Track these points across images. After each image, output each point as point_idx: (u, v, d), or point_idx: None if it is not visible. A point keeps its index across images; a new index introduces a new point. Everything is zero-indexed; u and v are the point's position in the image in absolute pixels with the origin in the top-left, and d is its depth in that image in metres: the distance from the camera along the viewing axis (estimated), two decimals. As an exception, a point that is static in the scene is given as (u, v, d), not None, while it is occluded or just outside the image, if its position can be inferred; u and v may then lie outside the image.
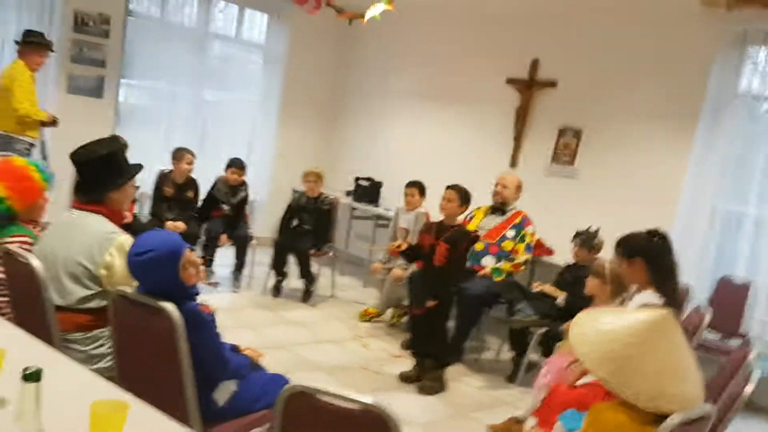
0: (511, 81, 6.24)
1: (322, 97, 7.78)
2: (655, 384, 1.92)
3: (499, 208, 5.16)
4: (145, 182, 5.57)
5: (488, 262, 4.99)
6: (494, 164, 6.03)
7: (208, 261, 5.53)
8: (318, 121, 7.82)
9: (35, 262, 2.29)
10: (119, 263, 2.41)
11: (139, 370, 2.24)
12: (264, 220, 7.02)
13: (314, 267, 5.58)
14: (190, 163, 5.32)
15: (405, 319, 5.20)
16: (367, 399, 1.65)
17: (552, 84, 5.97)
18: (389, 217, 5.95)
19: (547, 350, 4.35)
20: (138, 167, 2.71)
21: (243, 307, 5.23)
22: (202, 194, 5.67)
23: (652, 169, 5.32)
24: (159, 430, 1.62)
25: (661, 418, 1.89)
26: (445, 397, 4.14)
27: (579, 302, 3.82)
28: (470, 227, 5.21)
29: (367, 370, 4.36)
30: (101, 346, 2.46)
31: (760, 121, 4.97)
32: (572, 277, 4.46)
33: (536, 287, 4.59)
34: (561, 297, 4.35)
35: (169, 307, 2.06)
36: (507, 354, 4.83)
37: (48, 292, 2.32)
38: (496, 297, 4.73)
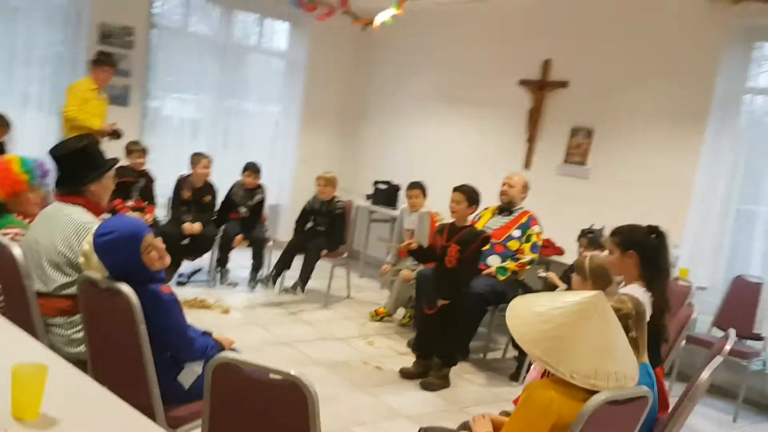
0: (523, 82, 6.25)
1: (342, 103, 7.94)
2: (589, 362, 1.93)
3: (505, 208, 5.18)
4: (167, 187, 5.82)
5: (493, 262, 5.01)
6: (508, 166, 6.03)
7: (223, 261, 5.70)
8: (338, 127, 7.97)
9: (16, 251, 2.46)
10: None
11: (106, 353, 2.37)
12: (286, 224, 7.18)
13: (324, 269, 5.67)
14: (206, 167, 5.52)
15: (416, 318, 5.25)
16: (288, 370, 1.73)
17: (563, 84, 5.96)
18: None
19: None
20: (114, 161, 2.86)
21: (257, 306, 5.38)
22: (220, 198, 5.85)
23: (663, 168, 5.24)
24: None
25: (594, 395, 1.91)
26: (446, 393, 4.18)
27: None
28: (477, 227, 5.24)
29: (368, 365, 4.43)
30: (81, 330, 2.61)
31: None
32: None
33: (541, 273, 4.60)
34: (561, 288, 4.35)
35: (125, 288, 2.18)
36: (513, 353, 4.82)
37: (29, 279, 2.48)
38: (500, 296, 4.73)
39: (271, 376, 1.74)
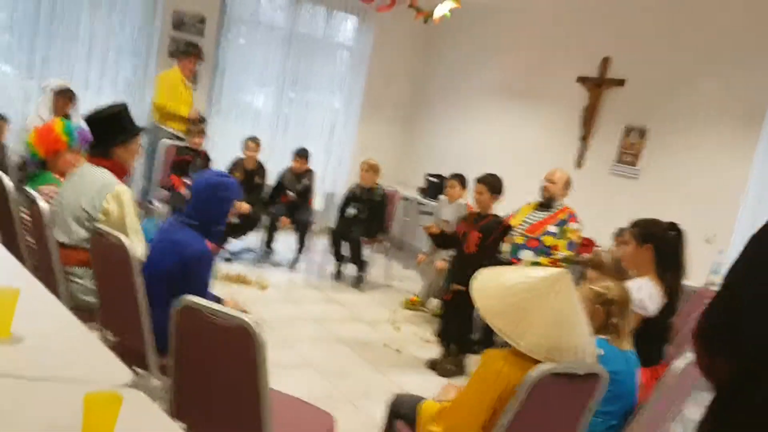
0: (581, 79, 6.15)
1: (402, 96, 8.05)
2: (549, 335, 1.97)
3: (546, 203, 5.13)
4: (223, 168, 6.14)
5: (525, 257, 4.98)
6: (559, 163, 5.92)
7: (269, 242, 5.94)
8: (397, 119, 8.09)
9: (42, 204, 2.73)
10: (114, 209, 2.80)
11: (111, 301, 2.59)
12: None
13: (367, 254, 5.81)
14: (253, 150, 5.77)
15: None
16: (241, 316, 1.86)
17: (621, 83, 5.82)
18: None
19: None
20: (141, 128, 3.09)
21: (296, 287, 5.59)
22: (271, 180, 6.11)
23: (714, 172, 5.04)
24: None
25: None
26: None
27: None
28: (514, 221, 5.23)
29: (388, 347, 4.53)
30: (98, 281, 2.85)
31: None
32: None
33: None
34: None
35: (126, 240, 2.39)
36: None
37: (51, 230, 2.74)
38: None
39: (224, 319, 1.87)
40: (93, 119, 2.94)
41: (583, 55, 6.13)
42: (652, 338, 3.02)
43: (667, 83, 5.43)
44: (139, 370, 2.43)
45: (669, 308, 3.13)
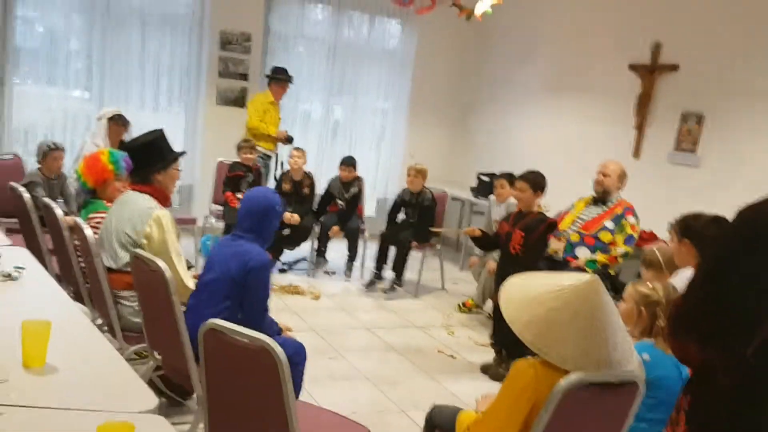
0: (633, 67, 5.94)
1: (449, 96, 7.98)
2: (579, 347, 1.90)
3: (600, 198, 4.98)
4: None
5: (582, 254, 4.85)
6: (615, 154, 5.73)
7: (321, 251, 6.01)
8: (446, 120, 8.04)
9: (88, 232, 2.85)
10: (156, 233, 2.90)
11: (154, 322, 2.68)
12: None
13: (416, 260, 5.79)
14: (294, 158, 5.84)
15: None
16: (263, 338, 1.88)
17: (674, 68, 5.59)
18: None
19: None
20: (180, 153, 3.19)
21: (349, 294, 5.62)
22: (320, 190, 6.18)
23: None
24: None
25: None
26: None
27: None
28: (568, 218, 5.09)
29: (441, 353, 4.50)
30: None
31: None
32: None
33: None
34: None
35: (161, 264, 2.46)
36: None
37: (99, 256, 2.86)
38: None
39: (246, 341, 1.89)
40: (131, 147, 3.06)
41: (633, 42, 5.92)
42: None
43: (723, 65, 5.17)
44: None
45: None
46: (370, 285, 5.81)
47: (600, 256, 4.77)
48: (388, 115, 7.75)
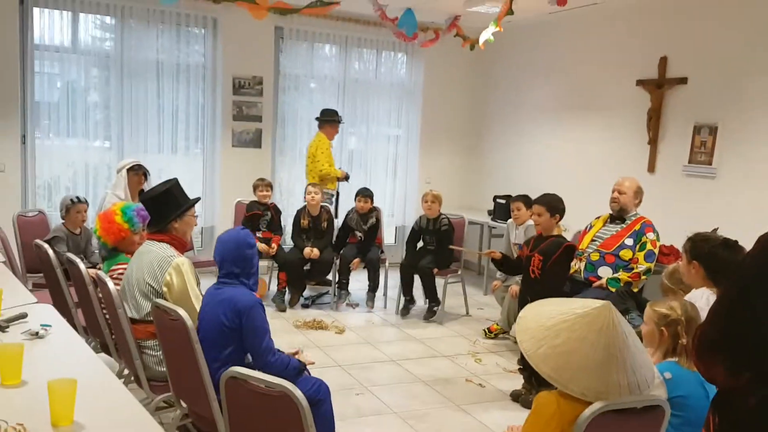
0: (641, 82, 5.95)
1: (460, 123, 8.06)
2: (600, 377, 1.90)
3: (617, 216, 4.97)
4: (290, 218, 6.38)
5: (604, 273, 4.82)
6: (630, 171, 5.73)
7: (343, 284, 6.04)
8: (458, 146, 8.10)
9: (110, 285, 2.91)
10: (176, 281, 2.95)
11: (178, 369, 2.72)
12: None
13: (438, 287, 5.79)
14: (311, 194, 5.90)
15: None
16: (282, 383, 1.91)
17: (683, 81, 5.59)
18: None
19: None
20: (194, 200, 3.25)
21: (373, 326, 5.63)
22: (338, 222, 6.24)
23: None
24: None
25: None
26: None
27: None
28: (587, 238, 5.08)
29: (471, 382, 4.47)
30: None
31: None
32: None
33: None
34: None
35: (183, 313, 2.51)
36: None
37: (122, 307, 2.92)
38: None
39: (266, 387, 1.92)
40: (147, 199, 3.13)
41: (639, 58, 5.95)
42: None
43: (733, 75, 5.17)
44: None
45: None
46: (405, 311, 5.86)
47: (622, 275, 4.74)
48: (400, 142, 7.83)
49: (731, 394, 1.43)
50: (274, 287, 6.04)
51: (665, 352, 2.46)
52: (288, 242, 6.42)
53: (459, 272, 6.01)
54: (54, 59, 6.31)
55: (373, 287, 6.06)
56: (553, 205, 4.31)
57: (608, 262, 4.84)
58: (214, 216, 7.00)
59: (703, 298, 2.83)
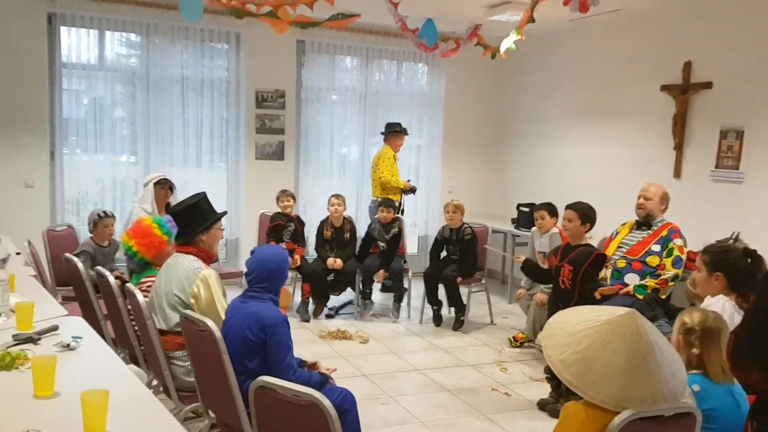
0: (665, 87, 5.90)
1: (482, 132, 8.06)
2: (621, 385, 1.88)
3: (644, 222, 4.91)
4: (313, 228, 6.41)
5: (631, 280, 4.76)
6: (656, 176, 5.67)
7: (366, 294, 6.04)
8: (481, 155, 8.09)
9: (139, 297, 2.96)
10: (203, 293, 2.99)
11: (207, 380, 2.74)
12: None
13: (463, 296, 5.77)
14: (334, 205, 5.93)
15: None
16: (310, 392, 1.92)
17: (708, 85, 5.53)
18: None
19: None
20: (221, 214, 3.29)
21: (397, 336, 5.62)
22: (361, 232, 6.26)
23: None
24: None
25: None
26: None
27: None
28: (613, 244, 5.02)
29: (496, 391, 4.44)
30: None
31: None
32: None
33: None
34: None
35: (211, 324, 2.54)
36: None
37: (150, 319, 2.96)
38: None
39: (295, 396, 1.93)
40: (176, 212, 3.18)
41: (662, 63, 5.90)
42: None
43: (758, 78, 5.11)
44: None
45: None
46: (438, 321, 5.87)
47: (649, 281, 4.68)
48: (422, 152, 7.83)
49: None
50: (298, 298, 6.07)
51: (687, 362, 2.43)
52: (311, 253, 6.46)
53: (483, 281, 5.99)
54: (81, 76, 6.45)
55: (398, 297, 6.06)
56: (586, 213, 4.28)
57: (635, 269, 4.78)
58: (239, 228, 7.06)
59: (719, 305, 2.80)
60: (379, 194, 6.71)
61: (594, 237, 5.67)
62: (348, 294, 6.21)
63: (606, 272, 4.90)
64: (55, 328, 2.68)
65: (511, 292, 6.80)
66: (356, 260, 6.03)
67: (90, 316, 3.74)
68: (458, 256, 5.78)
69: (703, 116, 5.61)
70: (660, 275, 4.68)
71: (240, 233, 7.04)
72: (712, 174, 5.50)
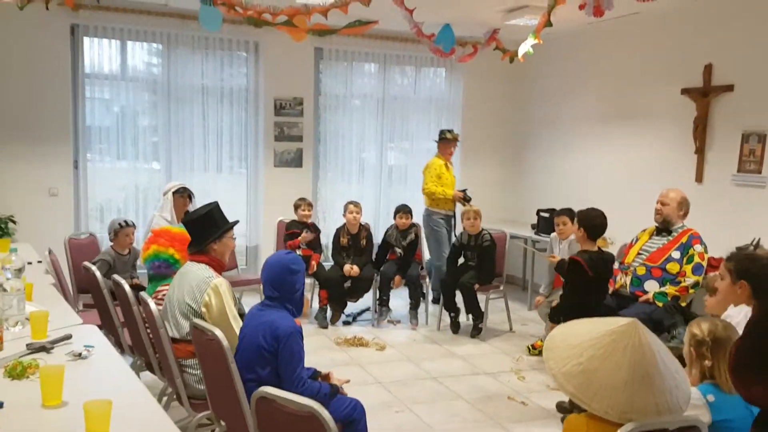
0: (685, 91, 5.81)
1: (500, 136, 8.03)
2: (623, 397, 1.86)
3: (663, 228, 4.84)
4: (329, 235, 6.44)
5: (651, 287, 4.69)
6: (677, 181, 5.59)
7: (384, 301, 6.04)
8: (499, 159, 8.06)
9: (152, 305, 3.00)
10: (214, 302, 3.02)
11: (216, 388, 2.77)
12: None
13: (481, 303, 5.74)
14: (352, 213, 5.95)
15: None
16: (310, 403, 1.93)
17: (729, 88, 5.44)
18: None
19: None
20: (233, 222, 3.32)
21: (414, 343, 5.61)
22: (378, 239, 6.26)
23: None
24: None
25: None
26: None
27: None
28: (632, 251, 4.95)
29: (513, 400, 4.40)
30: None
31: None
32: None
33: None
34: None
35: (219, 334, 2.56)
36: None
37: (163, 327, 2.99)
38: (657, 325, 4.41)
39: (295, 408, 1.94)
40: (189, 221, 3.22)
41: (682, 66, 5.82)
42: None
43: (781, 80, 5.01)
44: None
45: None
46: (455, 327, 5.85)
47: (669, 288, 4.61)
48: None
49: None
50: (316, 305, 6.09)
51: (699, 374, 2.39)
52: (329, 260, 6.48)
53: (501, 287, 5.94)
54: (104, 86, 6.57)
55: (414, 304, 6.05)
56: (588, 222, 4.24)
57: (655, 275, 4.71)
58: (258, 235, 7.12)
59: (741, 315, 2.73)
60: (428, 204, 6.60)
61: (615, 243, 5.62)
62: (366, 300, 6.21)
63: (626, 279, 4.84)
64: (68, 337, 2.72)
65: (531, 298, 6.74)
66: (373, 267, 6.03)
67: (109, 323, 3.81)
68: (476, 263, 5.75)
69: (724, 120, 5.51)
70: (680, 282, 4.61)
71: (259, 240, 7.09)
72: (734, 178, 5.40)
